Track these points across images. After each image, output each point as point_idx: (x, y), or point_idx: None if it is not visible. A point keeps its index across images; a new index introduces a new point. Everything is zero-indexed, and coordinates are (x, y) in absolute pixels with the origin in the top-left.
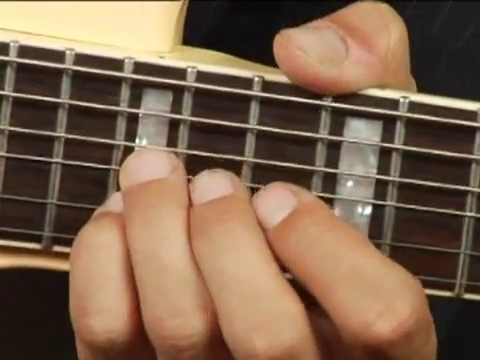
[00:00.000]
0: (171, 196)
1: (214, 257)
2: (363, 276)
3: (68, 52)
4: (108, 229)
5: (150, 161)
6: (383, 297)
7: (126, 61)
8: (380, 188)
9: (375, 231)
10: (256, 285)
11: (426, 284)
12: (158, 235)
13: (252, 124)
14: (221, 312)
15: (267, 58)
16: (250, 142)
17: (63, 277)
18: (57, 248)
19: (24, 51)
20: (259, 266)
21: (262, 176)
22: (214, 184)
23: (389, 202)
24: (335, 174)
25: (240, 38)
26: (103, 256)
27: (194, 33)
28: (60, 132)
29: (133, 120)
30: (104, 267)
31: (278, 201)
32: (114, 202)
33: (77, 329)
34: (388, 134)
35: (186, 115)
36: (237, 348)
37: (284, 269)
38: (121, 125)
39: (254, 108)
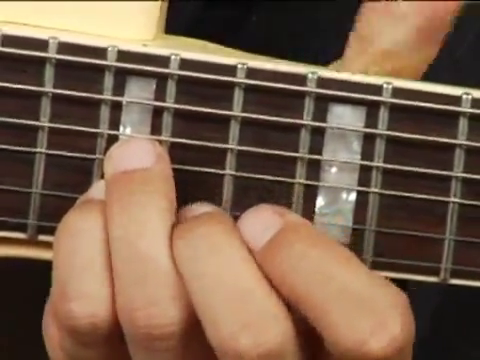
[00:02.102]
0: (153, 186)
1: (196, 260)
2: (354, 293)
3: (51, 41)
4: (90, 216)
5: (135, 150)
6: (375, 314)
7: (109, 49)
8: (364, 174)
9: (360, 217)
10: (240, 285)
11: (411, 269)
12: (138, 224)
13: (236, 111)
14: (204, 313)
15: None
16: (234, 129)
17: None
18: (42, 237)
19: (7, 40)
20: (241, 266)
21: (246, 163)
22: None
23: (373, 188)
24: (319, 160)
25: (217, 33)
26: (85, 242)
27: (172, 29)
28: (44, 121)
29: (117, 108)
30: (86, 253)
31: (264, 222)
32: (97, 189)
33: (58, 315)
34: (372, 120)
35: (170, 103)
36: (223, 349)
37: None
38: (105, 113)
39: (238, 95)
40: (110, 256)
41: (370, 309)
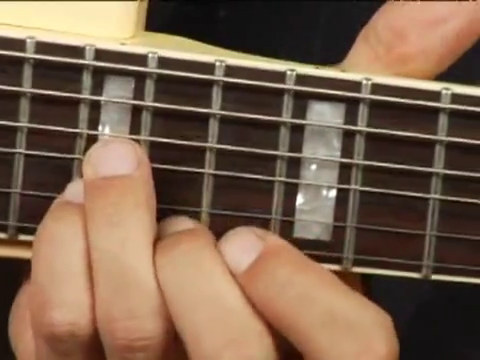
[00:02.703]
0: (134, 195)
1: (178, 277)
2: (338, 317)
3: (29, 40)
4: (69, 222)
5: (115, 154)
6: (361, 337)
7: (87, 48)
8: (344, 171)
9: (340, 214)
10: (222, 302)
11: (393, 266)
12: (119, 236)
13: (215, 109)
14: (186, 329)
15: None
16: (213, 127)
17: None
18: (22, 237)
19: None
20: (223, 283)
21: (226, 162)
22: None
23: (353, 185)
24: (299, 158)
25: (192, 25)
26: (65, 250)
27: (146, 24)
28: (23, 121)
29: (95, 107)
30: (66, 261)
31: (244, 246)
32: (73, 192)
33: (37, 322)
34: (351, 116)
35: (148, 101)
36: None
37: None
38: (84, 112)
39: (216, 93)
40: (90, 264)
41: (354, 332)
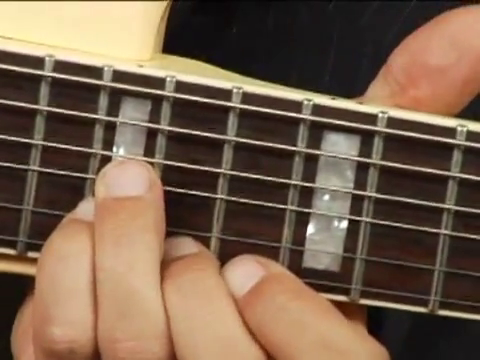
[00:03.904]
0: (144, 218)
1: (184, 305)
2: (331, 345)
3: (47, 58)
4: (77, 239)
5: (128, 174)
6: None
7: (105, 69)
8: (357, 202)
9: (350, 245)
10: (225, 331)
11: (400, 299)
12: (127, 259)
13: (230, 135)
14: (187, 355)
15: (229, 60)
16: (227, 153)
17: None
18: (32, 254)
19: (4, 57)
20: (228, 313)
21: (238, 188)
22: (184, 241)
23: (365, 217)
24: (312, 187)
25: (203, 38)
26: (71, 266)
27: None
28: (38, 139)
29: (111, 128)
30: (71, 278)
31: (246, 272)
32: (84, 210)
33: (38, 336)
34: (366, 149)
35: (164, 125)
36: None
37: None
38: (99, 133)
39: (232, 119)
40: (95, 283)
41: None
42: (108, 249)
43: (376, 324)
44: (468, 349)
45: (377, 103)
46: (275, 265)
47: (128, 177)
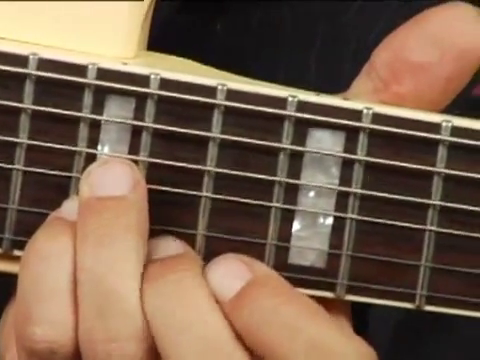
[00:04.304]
0: (126, 218)
1: (165, 306)
2: (321, 347)
3: (32, 57)
4: (60, 238)
5: (113, 174)
6: None
7: (90, 67)
8: (342, 199)
9: (336, 241)
10: (206, 331)
11: (386, 295)
12: (107, 259)
13: (215, 133)
14: (169, 356)
15: (214, 58)
16: (212, 151)
17: None
18: (17, 252)
19: None
20: (209, 313)
21: (224, 185)
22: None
23: (350, 214)
24: (297, 184)
25: (187, 37)
26: (53, 266)
27: None
28: (22, 137)
29: (95, 126)
30: (53, 278)
31: (231, 273)
32: (68, 209)
33: (19, 335)
34: (351, 145)
35: (149, 122)
36: None
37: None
38: (83, 131)
39: (217, 116)
40: (76, 283)
41: None
42: (89, 249)
43: (362, 323)
44: (455, 347)
45: (361, 99)
46: (260, 265)
47: (112, 176)
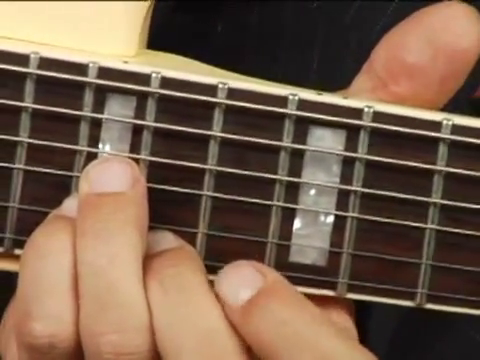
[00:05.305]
0: (125, 213)
1: (166, 300)
2: (328, 357)
3: (33, 56)
4: (59, 235)
5: (112, 171)
6: None
7: (90, 66)
8: (343, 197)
9: (337, 239)
10: (206, 325)
11: (387, 293)
12: (107, 252)
13: (216, 131)
14: (169, 349)
15: (213, 57)
16: (213, 149)
17: None
18: (18, 251)
19: None
20: (208, 307)
21: (224, 184)
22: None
23: (351, 212)
24: (298, 182)
25: (187, 37)
26: (52, 262)
27: None
28: (23, 136)
29: (96, 125)
30: (52, 275)
31: (243, 281)
32: (69, 206)
33: (19, 332)
34: (352, 143)
35: (150, 121)
36: None
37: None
38: (84, 130)
39: (218, 115)
40: (76, 279)
41: None
42: (89, 243)
43: (362, 326)
44: (455, 348)
45: (361, 97)
46: (272, 272)
47: (111, 174)
